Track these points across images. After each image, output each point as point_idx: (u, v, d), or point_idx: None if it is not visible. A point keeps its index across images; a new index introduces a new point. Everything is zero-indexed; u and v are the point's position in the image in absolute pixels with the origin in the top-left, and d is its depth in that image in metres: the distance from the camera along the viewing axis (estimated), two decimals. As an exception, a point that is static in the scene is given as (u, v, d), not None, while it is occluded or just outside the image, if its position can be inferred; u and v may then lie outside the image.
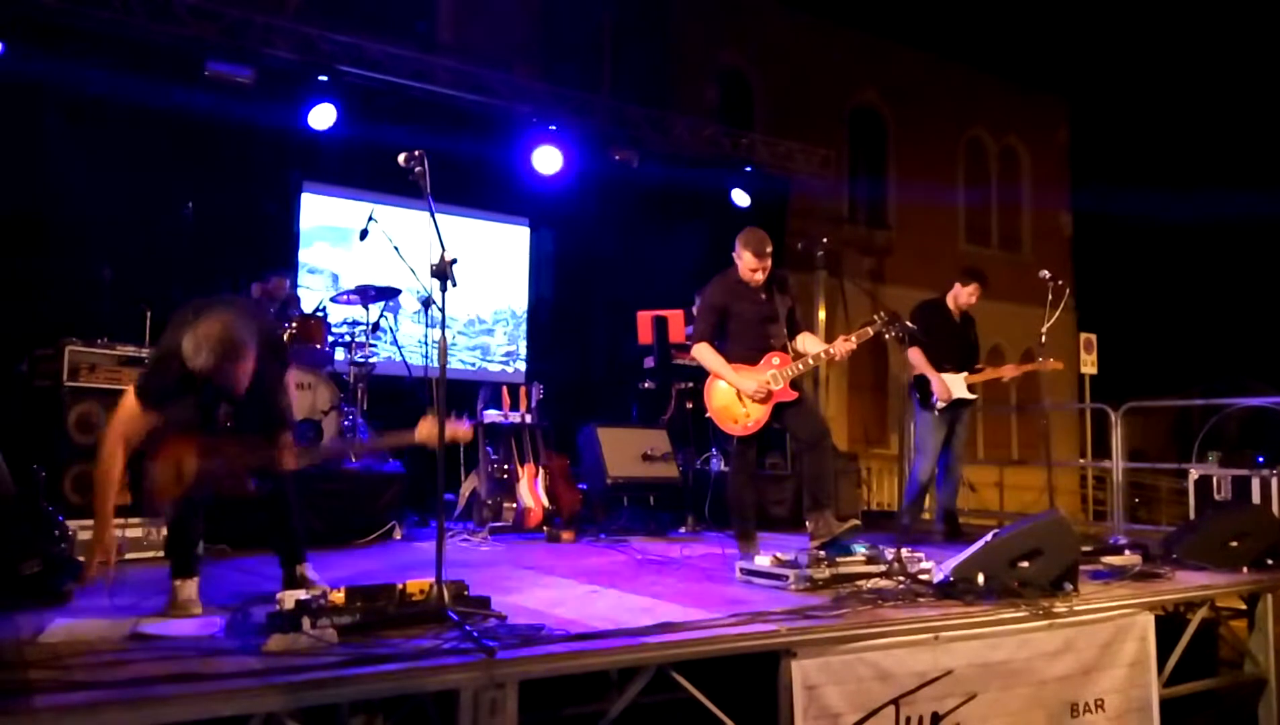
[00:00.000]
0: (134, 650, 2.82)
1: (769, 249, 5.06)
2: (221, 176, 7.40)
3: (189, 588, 3.59)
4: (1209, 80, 21.22)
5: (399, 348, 7.18)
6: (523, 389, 7.00)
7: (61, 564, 3.80)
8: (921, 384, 6.45)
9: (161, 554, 5.00)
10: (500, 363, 9.78)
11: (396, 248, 5.65)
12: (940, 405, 6.37)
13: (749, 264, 5.04)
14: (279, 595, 3.19)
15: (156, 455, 3.56)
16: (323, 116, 7.63)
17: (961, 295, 6.59)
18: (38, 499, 4.20)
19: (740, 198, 9.97)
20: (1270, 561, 5.01)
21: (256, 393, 3.64)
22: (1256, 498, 5.97)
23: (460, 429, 3.67)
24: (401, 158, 3.54)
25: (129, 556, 4.91)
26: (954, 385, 6.40)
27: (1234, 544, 4.99)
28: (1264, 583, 4.89)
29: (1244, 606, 5.05)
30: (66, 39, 6.90)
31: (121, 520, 4.94)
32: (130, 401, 3.51)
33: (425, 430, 3.60)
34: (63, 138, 7.10)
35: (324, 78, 7.63)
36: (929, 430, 6.47)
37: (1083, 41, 19.83)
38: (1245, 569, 4.91)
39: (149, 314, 5.91)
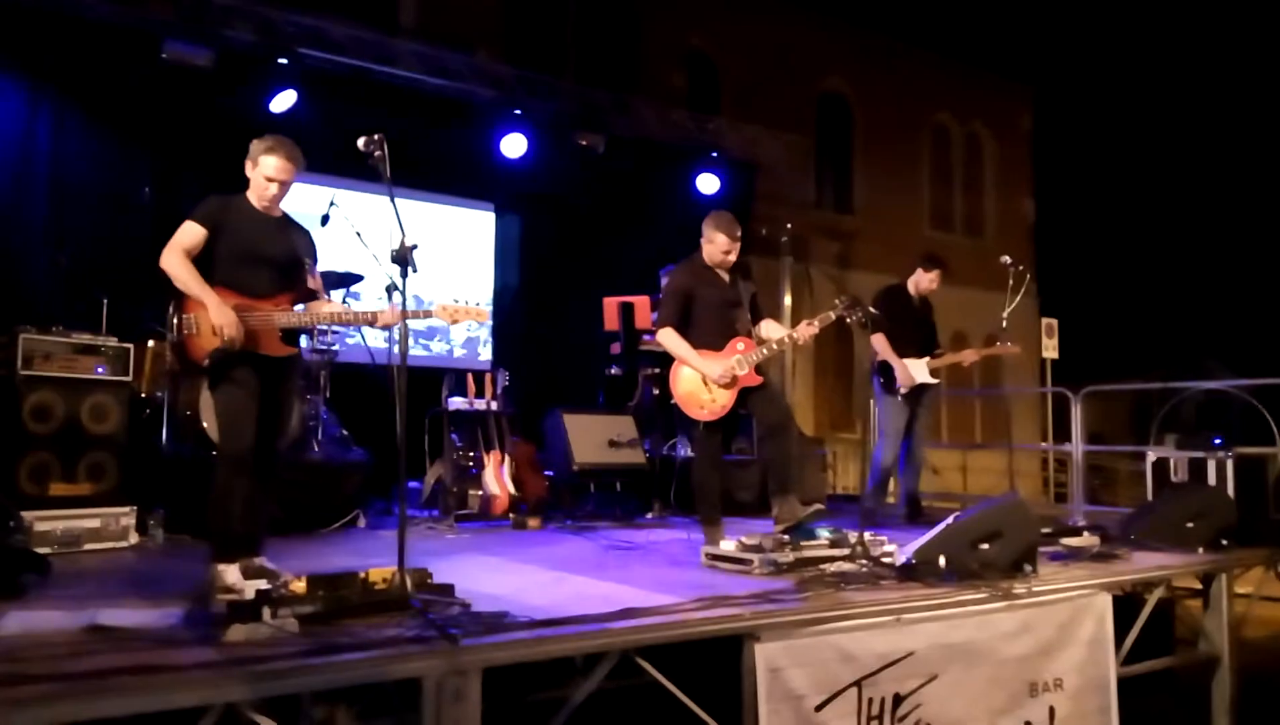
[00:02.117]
0: (91, 642, 2.79)
1: (739, 232, 5.10)
2: (180, 161, 7.27)
3: (230, 573, 3.57)
4: (1172, 68, 21.48)
5: (361, 335, 7.12)
6: (488, 376, 6.96)
7: (17, 555, 3.74)
8: (885, 369, 6.51)
9: (121, 544, 4.97)
10: (464, 349, 9.73)
11: (358, 233, 5.59)
12: (903, 390, 6.44)
13: (722, 246, 5.05)
14: (239, 585, 3.16)
15: (197, 306, 3.82)
16: (283, 99, 7.52)
17: (923, 281, 6.66)
18: (-9, 490, 4.14)
19: (707, 183, 9.96)
20: (1225, 542, 5.11)
21: (293, 261, 4.06)
22: (1212, 479, 6.07)
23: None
24: (361, 141, 3.52)
25: (87, 547, 4.87)
26: (916, 370, 6.47)
27: (1190, 525, 5.08)
28: (1219, 563, 4.99)
29: (1200, 586, 5.15)
30: (17, 20, 6.73)
31: (79, 510, 4.91)
32: (184, 226, 3.93)
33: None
34: (15, 122, 6.94)
35: (284, 60, 7.51)
36: (892, 415, 6.54)
37: (1047, 28, 20.01)
38: (1201, 549, 5.01)
39: (105, 302, 5.81)
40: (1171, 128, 21.52)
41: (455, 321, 4.02)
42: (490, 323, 9.65)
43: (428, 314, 3.98)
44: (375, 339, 7.25)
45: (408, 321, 3.60)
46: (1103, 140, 21.81)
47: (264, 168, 4.00)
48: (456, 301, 4.04)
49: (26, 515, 4.51)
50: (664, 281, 7.72)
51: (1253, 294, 19.34)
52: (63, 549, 4.72)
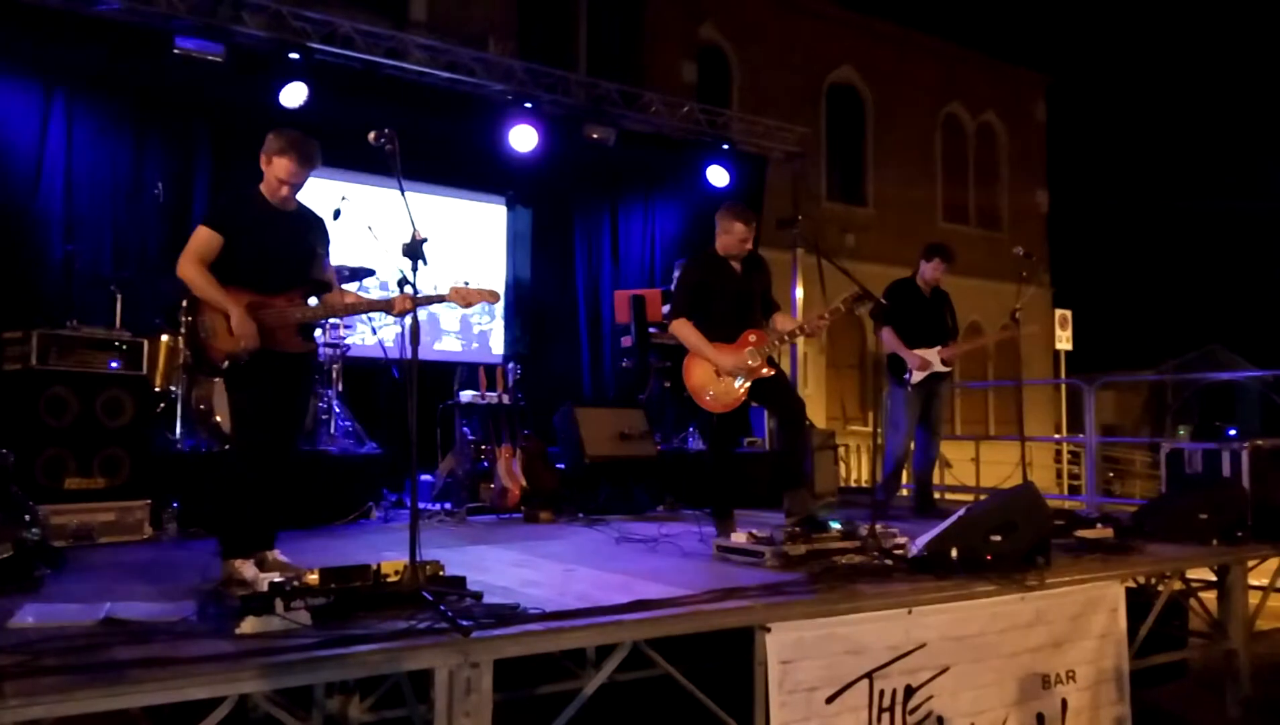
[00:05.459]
0: (105, 634, 2.80)
1: (755, 221, 5.12)
2: (193, 157, 7.30)
3: (247, 568, 3.63)
4: (1186, 58, 21.33)
5: (373, 330, 7.14)
6: (499, 369, 6.97)
7: (32, 549, 3.77)
8: (895, 361, 6.50)
9: (135, 537, 5.00)
10: (476, 342, 9.75)
11: (369, 227, 5.62)
12: (916, 379, 6.43)
13: (739, 235, 5.06)
14: (252, 577, 3.17)
15: (212, 309, 3.81)
16: (294, 95, 7.53)
17: (927, 271, 6.64)
18: (8, 483, 4.16)
19: (718, 176, 9.94)
20: (1239, 534, 5.07)
21: (307, 255, 4.05)
22: (1227, 471, 6.02)
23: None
24: (372, 136, 3.54)
25: (102, 541, 4.90)
26: (928, 358, 6.46)
27: (1204, 517, 5.04)
28: (1233, 555, 4.96)
29: (1214, 578, 5.12)
30: (30, 19, 6.76)
31: (94, 504, 4.94)
32: (199, 232, 3.88)
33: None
34: (30, 120, 6.97)
35: (295, 55, 7.52)
36: (903, 406, 6.53)
37: (1061, 17, 19.88)
38: (1215, 541, 4.97)
39: (120, 297, 5.83)
40: (1186, 118, 21.38)
41: (469, 304, 3.96)
42: (500, 305, 9.65)
43: (441, 298, 3.92)
44: (387, 333, 7.28)
45: (420, 307, 3.59)
46: (1117, 131, 21.69)
47: (276, 169, 3.96)
48: (467, 284, 3.99)
49: (41, 509, 4.53)
50: (677, 274, 7.74)
51: (1269, 284, 19.20)
52: (77, 542, 4.76)
